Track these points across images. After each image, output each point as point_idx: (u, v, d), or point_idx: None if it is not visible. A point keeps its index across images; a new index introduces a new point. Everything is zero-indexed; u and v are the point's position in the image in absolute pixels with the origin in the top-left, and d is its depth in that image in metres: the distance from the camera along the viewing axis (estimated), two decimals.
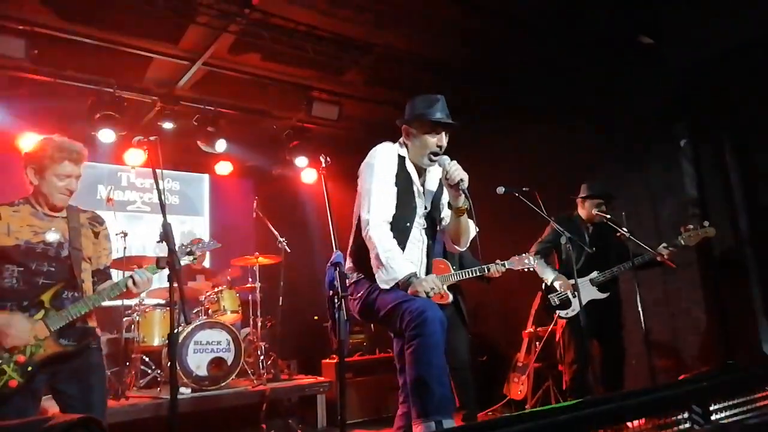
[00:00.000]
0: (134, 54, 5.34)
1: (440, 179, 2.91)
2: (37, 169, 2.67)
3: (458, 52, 5.61)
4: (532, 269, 4.09)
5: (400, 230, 2.73)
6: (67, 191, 2.70)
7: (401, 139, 2.90)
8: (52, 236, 2.66)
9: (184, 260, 2.92)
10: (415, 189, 2.82)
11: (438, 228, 2.99)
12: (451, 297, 4.15)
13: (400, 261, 2.59)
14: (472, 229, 2.90)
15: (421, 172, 2.88)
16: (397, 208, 2.73)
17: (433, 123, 2.76)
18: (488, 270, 4.04)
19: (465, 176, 2.66)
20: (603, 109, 5.71)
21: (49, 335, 2.52)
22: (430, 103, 2.80)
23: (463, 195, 2.68)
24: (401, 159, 2.82)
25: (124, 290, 2.68)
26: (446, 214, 2.95)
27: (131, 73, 5.78)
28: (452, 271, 4.16)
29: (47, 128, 5.98)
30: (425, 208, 2.87)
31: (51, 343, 2.53)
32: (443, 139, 2.79)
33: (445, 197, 2.94)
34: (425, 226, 2.88)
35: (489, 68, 5.93)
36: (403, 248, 2.70)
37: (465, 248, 2.99)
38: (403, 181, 2.78)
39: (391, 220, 2.70)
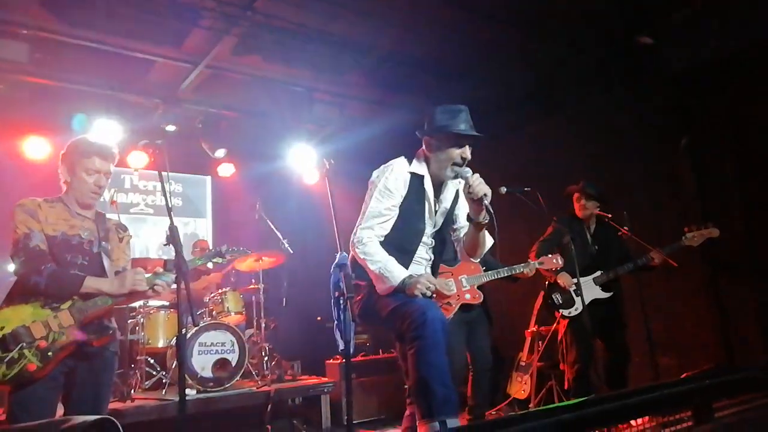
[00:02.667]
0: (137, 57, 5.37)
1: (457, 191, 2.88)
2: (69, 166, 2.77)
3: (457, 53, 5.63)
4: (560, 267, 4.26)
5: (405, 252, 2.71)
6: (96, 187, 2.78)
7: (421, 151, 2.80)
8: (85, 233, 2.76)
9: (214, 261, 3.13)
10: (426, 210, 2.75)
11: (449, 240, 2.97)
12: (481, 297, 4.20)
13: (393, 268, 2.59)
14: (488, 242, 2.85)
15: (439, 186, 2.81)
16: (402, 232, 2.71)
17: (457, 135, 2.68)
18: (520, 271, 4.13)
19: (488, 191, 2.58)
20: (603, 110, 5.73)
21: (73, 323, 2.58)
22: (453, 114, 2.70)
23: (485, 210, 2.59)
24: (417, 178, 2.73)
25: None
26: (462, 224, 2.89)
27: (134, 76, 5.80)
28: (482, 272, 4.20)
29: (50, 132, 6.05)
30: (434, 227, 2.82)
31: (74, 331, 2.59)
32: (467, 152, 2.69)
33: (459, 209, 2.90)
34: (432, 245, 2.84)
35: (488, 69, 5.94)
36: (406, 269, 2.67)
37: (478, 259, 2.98)
38: (413, 202, 2.71)
39: (382, 239, 2.68)
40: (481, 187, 2.57)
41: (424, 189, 2.73)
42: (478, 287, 4.24)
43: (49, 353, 2.52)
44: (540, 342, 5.42)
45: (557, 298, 4.42)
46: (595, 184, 4.56)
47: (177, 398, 2.29)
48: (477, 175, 2.62)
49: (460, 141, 2.68)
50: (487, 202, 2.55)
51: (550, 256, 4.24)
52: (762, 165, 4.66)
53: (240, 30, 5.01)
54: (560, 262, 4.21)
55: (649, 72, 5.31)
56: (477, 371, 4.34)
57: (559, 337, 4.57)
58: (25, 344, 2.48)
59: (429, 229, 2.79)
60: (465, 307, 4.18)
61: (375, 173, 2.79)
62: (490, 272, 4.21)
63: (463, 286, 4.11)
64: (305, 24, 5.05)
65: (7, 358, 2.44)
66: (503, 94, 6.31)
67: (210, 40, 5.18)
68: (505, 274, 4.20)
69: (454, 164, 2.68)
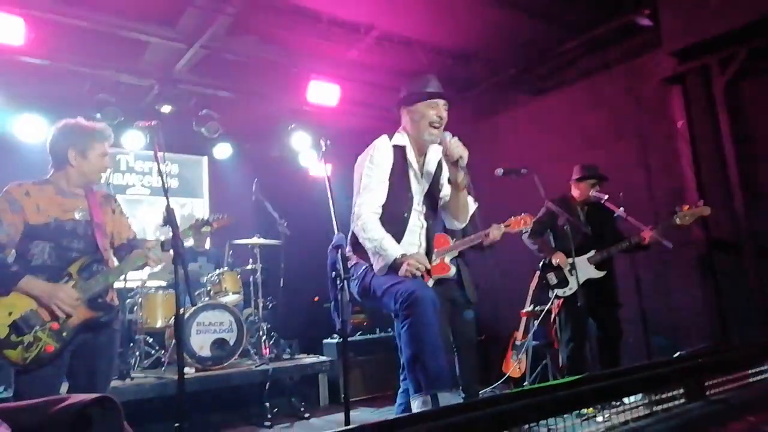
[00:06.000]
0: (131, 37, 5.31)
1: (439, 159, 2.96)
2: (79, 151, 2.78)
3: (456, 34, 5.59)
4: (529, 229, 4.24)
5: (398, 221, 2.80)
6: (105, 168, 2.87)
7: (400, 127, 2.95)
8: (79, 214, 2.78)
9: (203, 230, 3.16)
10: (412, 177, 2.87)
11: (438, 206, 3.05)
12: (453, 269, 4.21)
13: (389, 246, 2.67)
14: (471, 205, 2.97)
15: (423, 153, 2.93)
16: (393, 202, 2.80)
17: (429, 95, 2.83)
18: (487, 235, 4.10)
19: (465, 153, 2.70)
20: (600, 90, 5.72)
21: (80, 303, 2.63)
22: (423, 80, 2.88)
23: (462, 171, 2.71)
24: (399, 150, 2.86)
25: (140, 264, 2.81)
26: (446, 191, 2.99)
27: (129, 57, 5.75)
28: (451, 243, 4.21)
29: (45, 112, 6.01)
30: (423, 192, 2.92)
31: (83, 310, 2.64)
32: (442, 111, 2.83)
33: (445, 175, 2.97)
34: (423, 212, 2.93)
35: (484, 48, 5.91)
36: (401, 237, 2.78)
37: (464, 224, 3.05)
38: (399, 173, 2.83)
39: (380, 211, 2.77)
40: (458, 149, 2.69)
41: (407, 159, 2.86)
42: (452, 260, 4.26)
43: (64, 334, 2.58)
44: (535, 321, 5.47)
45: (552, 277, 4.46)
46: (594, 165, 4.58)
47: (176, 377, 2.32)
48: (455, 138, 2.73)
49: (432, 100, 2.83)
50: (463, 163, 2.68)
51: (518, 216, 4.21)
52: (761, 143, 4.67)
53: (235, 10, 4.96)
54: (529, 220, 4.17)
55: (647, 50, 5.29)
56: (461, 349, 4.38)
57: (553, 317, 4.62)
58: (38, 327, 2.53)
59: (418, 197, 2.89)
60: (440, 282, 4.19)
61: (360, 157, 2.91)
62: (457, 242, 4.19)
63: (432, 260, 4.14)
64: (302, 4, 5.00)
65: (25, 343, 2.50)
66: (499, 73, 6.28)
67: (205, 19, 5.13)
68: (473, 242, 4.17)
69: (431, 124, 2.81)
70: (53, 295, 2.53)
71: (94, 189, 2.95)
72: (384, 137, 2.90)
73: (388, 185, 2.80)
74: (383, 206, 2.79)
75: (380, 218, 2.76)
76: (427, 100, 2.83)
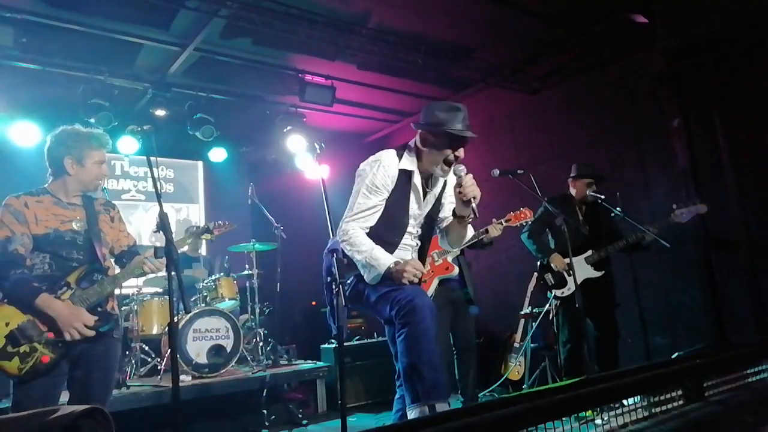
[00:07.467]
0: (124, 40, 5.29)
1: (445, 181, 2.86)
2: (76, 159, 2.76)
3: (452, 33, 5.58)
4: (530, 222, 4.27)
5: (389, 244, 2.69)
6: (103, 175, 2.85)
7: (413, 144, 2.77)
8: (78, 224, 2.76)
9: (203, 237, 3.13)
10: (413, 202, 2.74)
11: (435, 227, 2.97)
12: (457, 269, 4.20)
13: (379, 255, 2.59)
14: (470, 234, 2.88)
15: (428, 179, 2.80)
16: (387, 224, 2.70)
17: (454, 135, 2.63)
18: (487, 231, 4.11)
19: (478, 194, 2.57)
20: (595, 89, 5.71)
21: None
22: (451, 114, 2.64)
23: (472, 212, 2.60)
24: (405, 174, 2.70)
25: (138, 273, 2.82)
26: (446, 214, 2.90)
27: (121, 60, 5.73)
28: None
29: (38, 117, 5.97)
30: (421, 216, 2.82)
31: None
32: (462, 151, 2.66)
33: (446, 197, 2.90)
34: (418, 234, 2.86)
35: (480, 47, 5.90)
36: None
37: (456, 249, 2.99)
38: (398, 198, 2.70)
39: (368, 230, 2.67)
40: (473, 189, 2.56)
41: (411, 184, 2.72)
42: (455, 260, 4.27)
43: (60, 344, 2.56)
44: (533, 323, 5.46)
45: (549, 278, 4.44)
46: (590, 163, 4.57)
47: (172, 385, 2.29)
48: (470, 176, 2.60)
49: (456, 141, 2.65)
50: (475, 204, 2.56)
51: (517, 211, 4.23)
52: (755, 140, 4.66)
53: (229, 12, 4.93)
54: (528, 214, 4.21)
55: (642, 48, 5.29)
56: (460, 352, 4.38)
57: (551, 318, 4.60)
58: (34, 337, 2.51)
59: (414, 221, 2.80)
60: (444, 282, 4.19)
61: (363, 165, 2.75)
62: None
63: (435, 261, 4.14)
64: (294, 5, 4.98)
65: (21, 353, 2.48)
66: (494, 71, 6.27)
67: (198, 22, 5.10)
68: (473, 241, 4.15)
69: (446, 161, 2.66)
70: (73, 320, 2.52)
71: (93, 197, 2.93)
72: (391, 155, 2.72)
73: (383, 207, 2.69)
74: (376, 226, 2.68)
75: (370, 236, 2.66)
76: (451, 139, 2.63)
